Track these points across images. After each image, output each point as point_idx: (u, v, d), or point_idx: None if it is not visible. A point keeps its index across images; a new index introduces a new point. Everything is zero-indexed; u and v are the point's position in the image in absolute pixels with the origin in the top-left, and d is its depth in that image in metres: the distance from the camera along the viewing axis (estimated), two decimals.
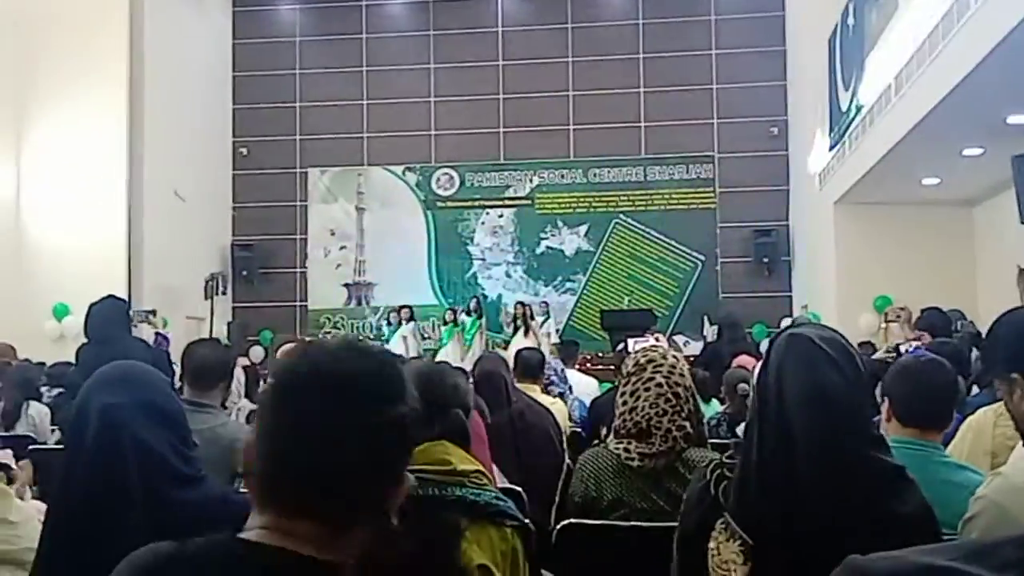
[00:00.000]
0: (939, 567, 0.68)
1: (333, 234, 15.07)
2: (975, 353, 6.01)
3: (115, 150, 12.08)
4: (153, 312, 10.46)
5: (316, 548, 1.07)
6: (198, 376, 3.08)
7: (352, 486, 1.09)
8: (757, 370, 1.80)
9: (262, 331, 14.48)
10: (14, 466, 2.03)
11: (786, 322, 13.01)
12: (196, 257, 13.67)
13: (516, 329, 12.42)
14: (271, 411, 1.12)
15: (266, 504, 1.10)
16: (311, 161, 15.18)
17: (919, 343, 6.39)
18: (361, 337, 13.85)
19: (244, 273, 14.73)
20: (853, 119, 9.78)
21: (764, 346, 10.88)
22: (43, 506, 2.11)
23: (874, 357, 7.35)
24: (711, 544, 1.62)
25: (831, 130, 10.93)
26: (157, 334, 9.28)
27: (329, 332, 14.49)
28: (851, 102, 9.85)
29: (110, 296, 6.01)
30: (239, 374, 5.73)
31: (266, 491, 1.10)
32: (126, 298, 10.60)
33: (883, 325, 9.82)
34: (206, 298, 12.97)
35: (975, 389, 5.10)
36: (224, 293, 14.04)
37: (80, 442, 1.67)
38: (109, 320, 5.43)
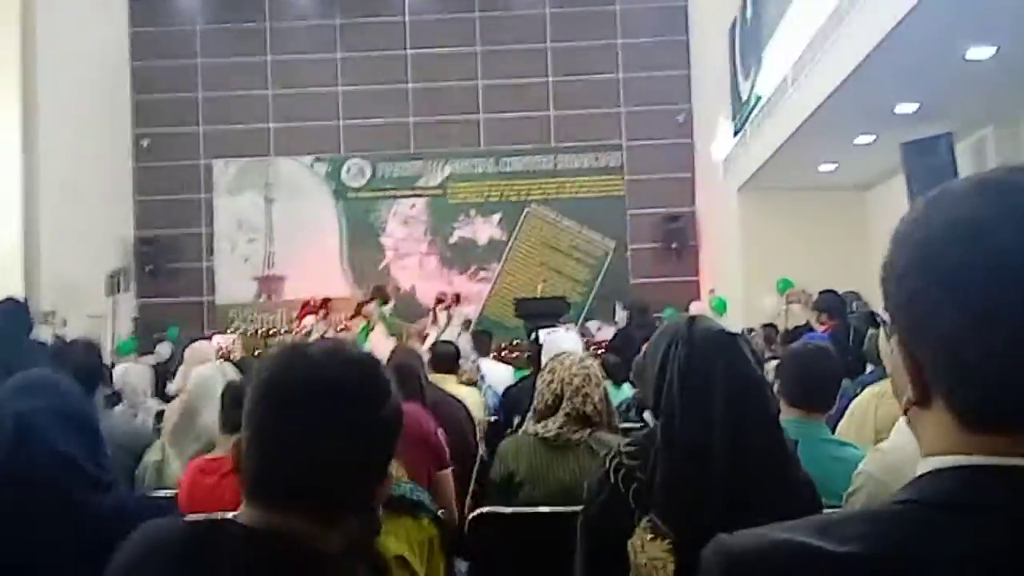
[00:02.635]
0: (793, 542, 0.74)
1: (241, 227, 14.78)
2: (870, 332, 6.32)
3: (7, 145, 11.62)
4: (52, 314, 10.13)
5: (307, 541, 1.15)
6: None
7: (340, 483, 1.19)
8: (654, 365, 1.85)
9: (169, 327, 14.14)
10: None
11: (694, 305, 13.35)
12: (97, 253, 13.23)
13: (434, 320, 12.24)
14: (262, 416, 1.21)
15: (255, 498, 1.19)
16: (216, 152, 14.83)
17: (824, 326, 6.67)
18: (273, 331, 13.67)
19: (149, 268, 14.34)
20: (753, 108, 10.09)
21: None
22: None
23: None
24: (635, 541, 1.67)
25: (734, 118, 11.25)
26: (56, 336, 8.99)
27: (239, 327, 14.25)
28: (751, 91, 10.16)
29: (9, 298, 5.82)
30: (145, 372, 5.63)
31: (257, 487, 1.20)
32: (23, 298, 10.24)
33: (784, 307, 10.18)
34: (108, 295, 12.59)
35: (869, 367, 5.37)
36: (128, 289, 13.66)
37: None
38: (9, 324, 5.28)
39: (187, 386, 3.76)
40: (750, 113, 10.27)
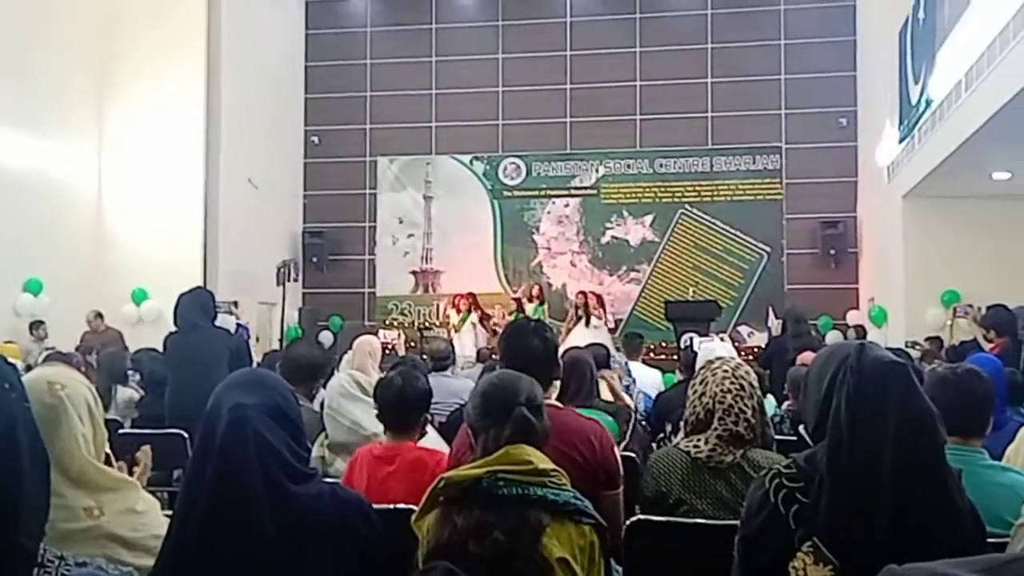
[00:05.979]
0: None
1: (401, 222, 15.36)
2: None
3: (192, 138, 12.51)
4: (235, 303, 10.90)
5: None
6: (291, 371, 3.35)
7: None
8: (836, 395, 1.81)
9: (332, 316, 14.88)
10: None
11: (852, 314, 12.94)
12: (268, 244, 14.09)
13: (578, 320, 12.29)
14: None
15: None
16: (380, 150, 15.48)
17: (992, 344, 6.36)
18: (428, 324, 14.15)
19: (314, 260, 15.12)
20: (923, 113, 9.68)
21: (830, 339, 10.82)
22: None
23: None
24: (796, 564, 1.70)
25: (901, 123, 10.81)
26: (238, 325, 9.68)
27: (396, 319, 14.82)
28: (921, 95, 9.74)
29: (198, 287, 6.32)
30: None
31: None
32: (202, 283, 11.02)
33: (949, 321, 9.74)
34: (278, 284, 13.37)
35: None
36: (295, 279, 14.45)
37: (211, 436, 1.89)
38: (197, 310, 5.72)
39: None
40: (919, 118, 9.86)
